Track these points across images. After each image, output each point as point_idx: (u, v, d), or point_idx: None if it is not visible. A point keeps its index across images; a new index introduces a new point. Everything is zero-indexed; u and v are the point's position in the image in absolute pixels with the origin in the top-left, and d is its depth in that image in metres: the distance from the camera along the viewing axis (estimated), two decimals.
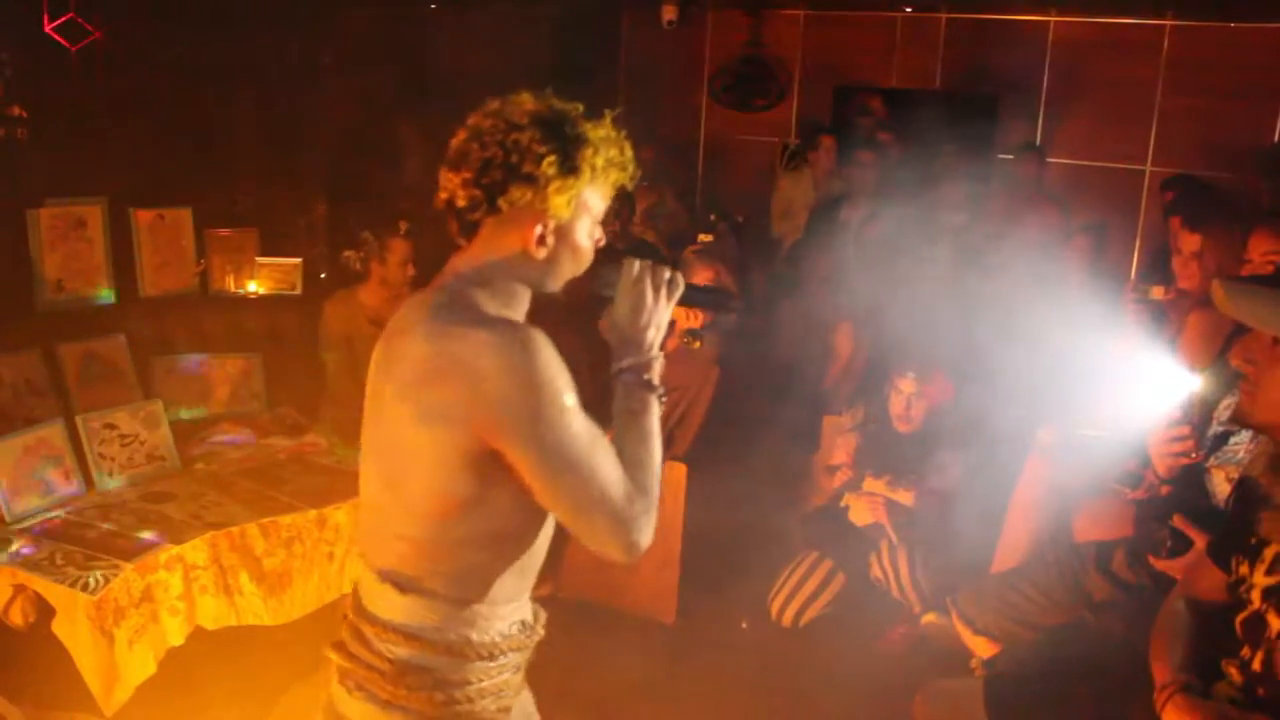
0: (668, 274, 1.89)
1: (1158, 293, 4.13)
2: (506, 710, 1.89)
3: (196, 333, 5.08)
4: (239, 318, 5.20)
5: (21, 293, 4.71)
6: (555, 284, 1.85)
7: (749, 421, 4.69)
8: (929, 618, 4.16)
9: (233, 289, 5.32)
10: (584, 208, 1.80)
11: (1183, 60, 6.93)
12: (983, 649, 3.48)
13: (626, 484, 1.71)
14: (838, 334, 5.17)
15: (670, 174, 7.41)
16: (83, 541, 3.56)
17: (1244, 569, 2.11)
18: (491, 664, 1.82)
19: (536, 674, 4.03)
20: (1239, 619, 2.11)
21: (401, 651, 1.76)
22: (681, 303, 1.93)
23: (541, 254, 1.79)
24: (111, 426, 4.05)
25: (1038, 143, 7.12)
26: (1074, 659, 2.74)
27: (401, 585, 1.77)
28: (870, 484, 4.30)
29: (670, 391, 4.40)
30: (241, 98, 5.40)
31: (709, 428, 4.47)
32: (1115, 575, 3.10)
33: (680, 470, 4.37)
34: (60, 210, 4.89)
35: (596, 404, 1.80)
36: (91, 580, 3.35)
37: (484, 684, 1.82)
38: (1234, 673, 2.12)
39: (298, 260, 5.38)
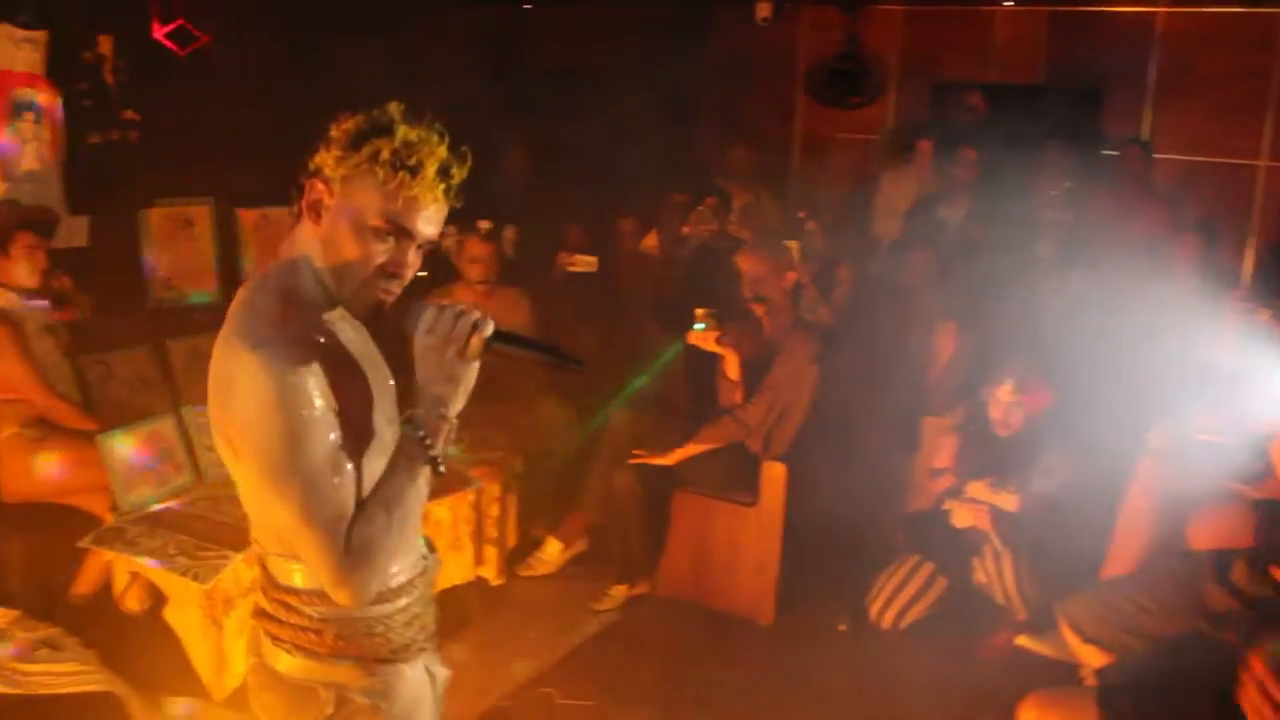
0: (471, 323, 1.74)
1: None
2: (431, 636, 2.01)
3: None
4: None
5: (134, 290, 4.84)
6: (335, 276, 1.77)
7: (848, 422, 4.64)
8: (1021, 640, 4.08)
9: None
10: (363, 196, 1.73)
11: None
12: (1092, 658, 3.40)
13: (343, 533, 1.70)
14: (938, 334, 5.08)
15: (765, 172, 7.37)
16: (194, 532, 3.64)
17: None
18: (407, 599, 1.91)
19: (632, 670, 4.06)
20: None
21: (326, 610, 1.84)
22: (500, 351, 1.77)
23: (319, 225, 1.76)
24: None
25: (1144, 138, 6.93)
26: (1193, 673, 2.65)
27: (299, 558, 1.83)
28: (973, 489, 4.22)
29: (766, 390, 4.42)
30: (341, 99, 5.48)
31: (808, 428, 4.43)
32: (1235, 586, 2.99)
33: (779, 470, 4.34)
34: (170, 211, 5.02)
35: None
36: (202, 570, 3.42)
37: (407, 618, 1.91)
38: None
39: None
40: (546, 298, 5.30)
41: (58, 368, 4.19)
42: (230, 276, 5.18)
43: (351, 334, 1.87)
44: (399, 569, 1.89)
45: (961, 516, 4.25)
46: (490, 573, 4.33)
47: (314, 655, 1.86)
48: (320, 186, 1.75)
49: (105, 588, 3.79)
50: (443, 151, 1.74)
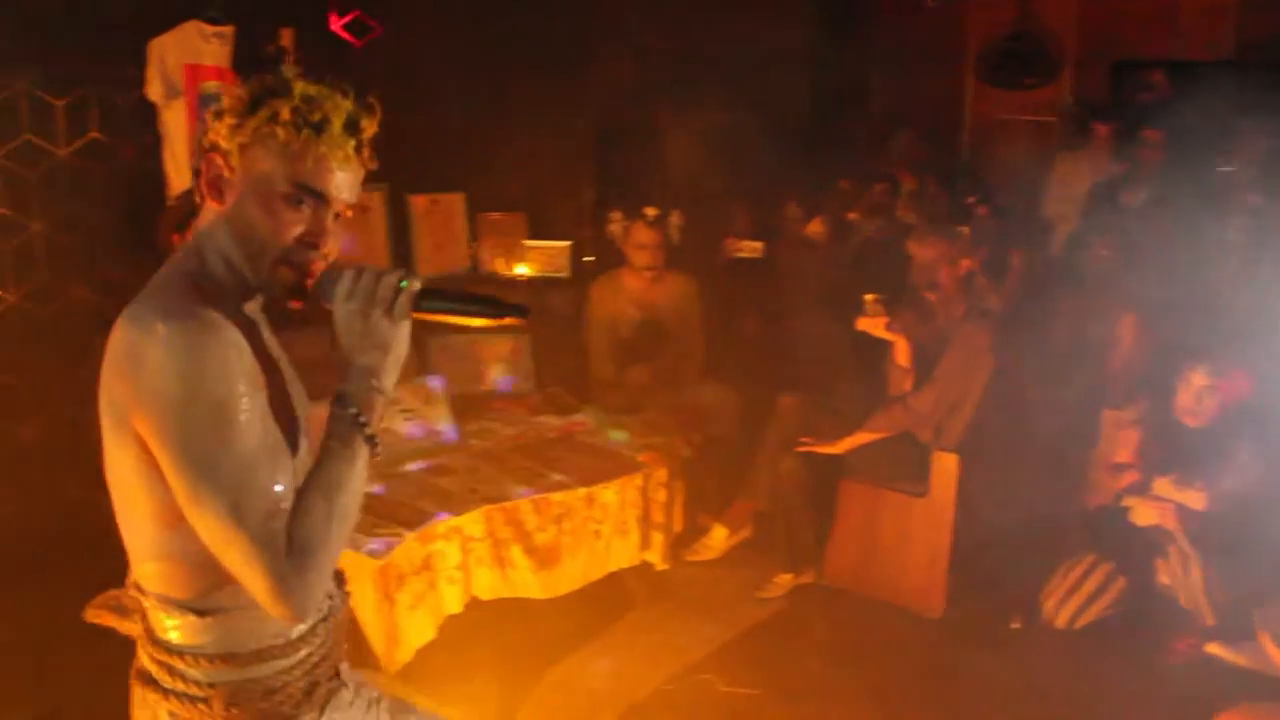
0: (396, 281, 1.57)
1: None
2: (336, 673, 1.76)
3: None
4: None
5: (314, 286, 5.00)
6: (247, 256, 1.58)
7: (1023, 413, 4.50)
8: (1213, 648, 3.88)
9: (503, 271, 5.50)
10: (266, 163, 1.55)
11: None
12: None
13: (282, 531, 1.47)
14: (1120, 323, 4.87)
15: (933, 157, 7.20)
16: (368, 509, 3.73)
17: None
18: (309, 648, 1.69)
19: (796, 660, 4.00)
20: None
21: (220, 672, 1.61)
22: (431, 310, 1.60)
23: (222, 204, 1.58)
24: (394, 402, 4.24)
25: None
26: None
27: (185, 607, 1.60)
28: (1159, 486, 4.03)
29: (938, 380, 4.31)
30: (512, 87, 5.56)
31: (981, 418, 4.30)
32: None
33: (951, 461, 4.24)
34: None
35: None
36: (377, 546, 3.51)
37: (308, 667, 1.69)
38: None
39: (566, 244, 5.51)
40: (712, 283, 5.29)
41: None
42: (402, 260, 5.33)
43: (270, 339, 1.71)
44: None
45: (1144, 514, 4.06)
46: (656, 557, 4.34)
47: None
48: (218, 161, 1.56)
49: None
50: (348, 104, 1.58)
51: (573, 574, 4.02)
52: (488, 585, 3.84)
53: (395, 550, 3.52)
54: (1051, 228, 6.56)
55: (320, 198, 1.57)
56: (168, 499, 1.50)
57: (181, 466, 1.45)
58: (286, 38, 5.58)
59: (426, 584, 3.65)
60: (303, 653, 1.67)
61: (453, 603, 3.73)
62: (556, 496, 3.95)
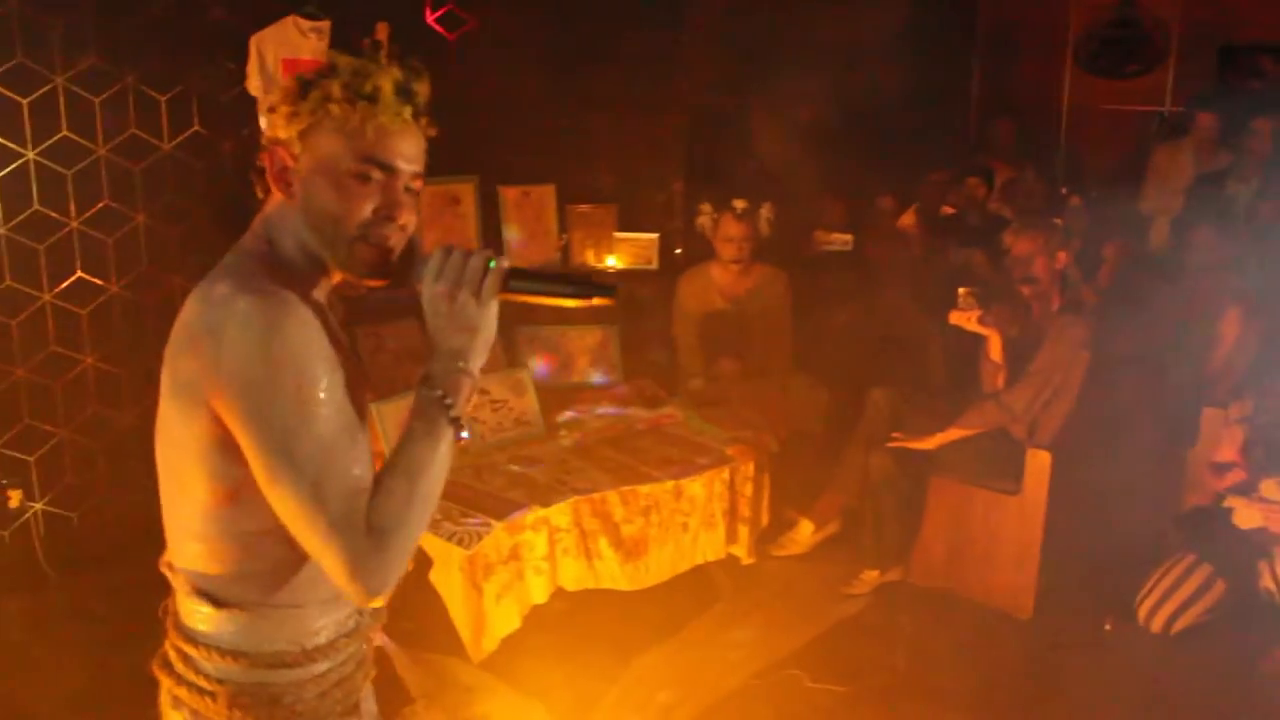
0: (484, 261, 1.54)
1: None
2: (355, 708, 1.73)
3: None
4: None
5: (402, 266, 5.07)
6: (325, 240, 1.57)
7: (1120, 410, 4.39)
8: None
9: (592, 262, 5.51)
10: (329, 144, 1.55)
11: None
12: None
13: (362, 511, 1.46)
14: (1224, 319, 4.73)
15: (1030, 146, 7.06)
16: (458, 499, 3.78)
17: None
18: (328, 663, 1.66)
19: (882, 658, 3.97)
20: None
21: (229, 669, 1.60)
22: (519, 290, 1.57)
23: (292, 196, 1.57)
24: (483, 392, 4.28)
25: None
26: None
27: (211, 595, 1.59)
28: (1266, 488, 3.90)
29: (1033, 375, 4.23)
30: (602, 80, 5.57)
31: (1077, 415, 4.21)
32: None
33: (1045, 459, 4.15)
34: (438, 188, 5.23)
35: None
36: (465, 535, 3.55)
37: (325, 686, 1.66)
38: None
39: (655, 235, 5.50)
40: (801, 276, 5.25)
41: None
42: (493, 250, 5.36)
43: (335, 327, 1.66)
44: (323, 624, 1.65)
45: (1248, 516, 3.95)
46: (742, 551, 4.33)
47: None
48: (280, 153, 1.56)
49: None
50: (395, 71, 1.55)
51: (659, 566, 4.03)
52: (574, 576, 3.86)
53: (484, 540, 3.56)
54: (1150, 220, 6.39)
55: (388, 169, 1.56)
56: (222, 479, 1.51)
57: (262, 444, 1.44)
58: (382, 31, 5.67)
59: (513, 574, 3.69)
60: (320, 666, 1.65)
61: (539, 593, 3.77)
62: (644, 489, 3.96)
